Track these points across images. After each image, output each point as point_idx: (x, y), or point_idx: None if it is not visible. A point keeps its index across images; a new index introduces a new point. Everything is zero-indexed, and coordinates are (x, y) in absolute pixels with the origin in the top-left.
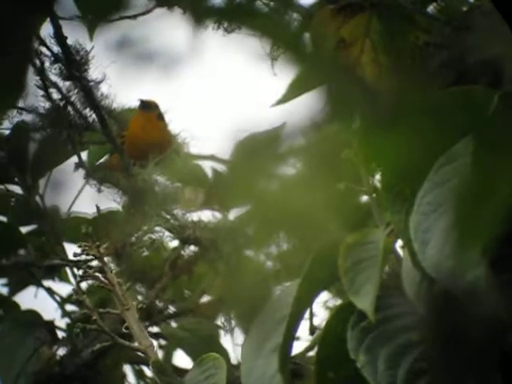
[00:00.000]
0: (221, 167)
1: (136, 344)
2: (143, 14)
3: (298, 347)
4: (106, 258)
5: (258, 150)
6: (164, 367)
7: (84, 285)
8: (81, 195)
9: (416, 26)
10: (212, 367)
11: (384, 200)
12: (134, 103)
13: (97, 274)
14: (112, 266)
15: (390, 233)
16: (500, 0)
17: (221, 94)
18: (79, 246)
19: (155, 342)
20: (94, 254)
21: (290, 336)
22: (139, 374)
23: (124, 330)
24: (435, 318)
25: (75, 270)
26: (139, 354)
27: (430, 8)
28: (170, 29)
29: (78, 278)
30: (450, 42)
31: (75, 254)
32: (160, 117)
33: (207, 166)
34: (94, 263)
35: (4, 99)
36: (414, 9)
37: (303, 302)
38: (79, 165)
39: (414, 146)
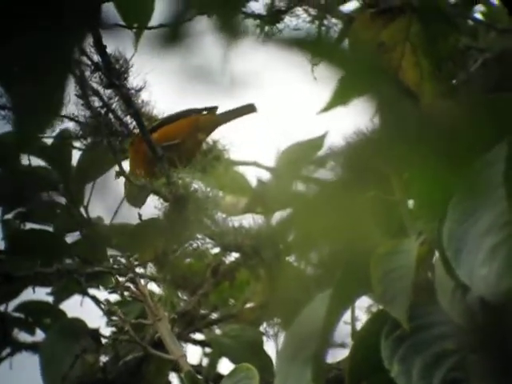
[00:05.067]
0: (264, 174)
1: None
2: (184, 21)
3: (342, 353)
4: (137, 269)
5: (301, 158)
6: (196, 378)
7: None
8: (124, 203)
9: (456, 29)
10: (245, 378)
11: (416, 208)
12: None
13: (128, 284)
14: (154, 272)
15: (423, 242)
16: None
17: (264, 102)
18: (110, 257)
19: (200, 350)
20: (125, 265)
21: (324, 346)
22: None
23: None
24: (469, 326)
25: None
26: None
27: (472, 11)
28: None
29: (109, 290)
30: (492, 45)
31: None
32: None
33: (249, 173)
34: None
35: (46, 112)
36: (455, 12)
37: (335, 313)
38: (120, 173)
39: (446, 154)
